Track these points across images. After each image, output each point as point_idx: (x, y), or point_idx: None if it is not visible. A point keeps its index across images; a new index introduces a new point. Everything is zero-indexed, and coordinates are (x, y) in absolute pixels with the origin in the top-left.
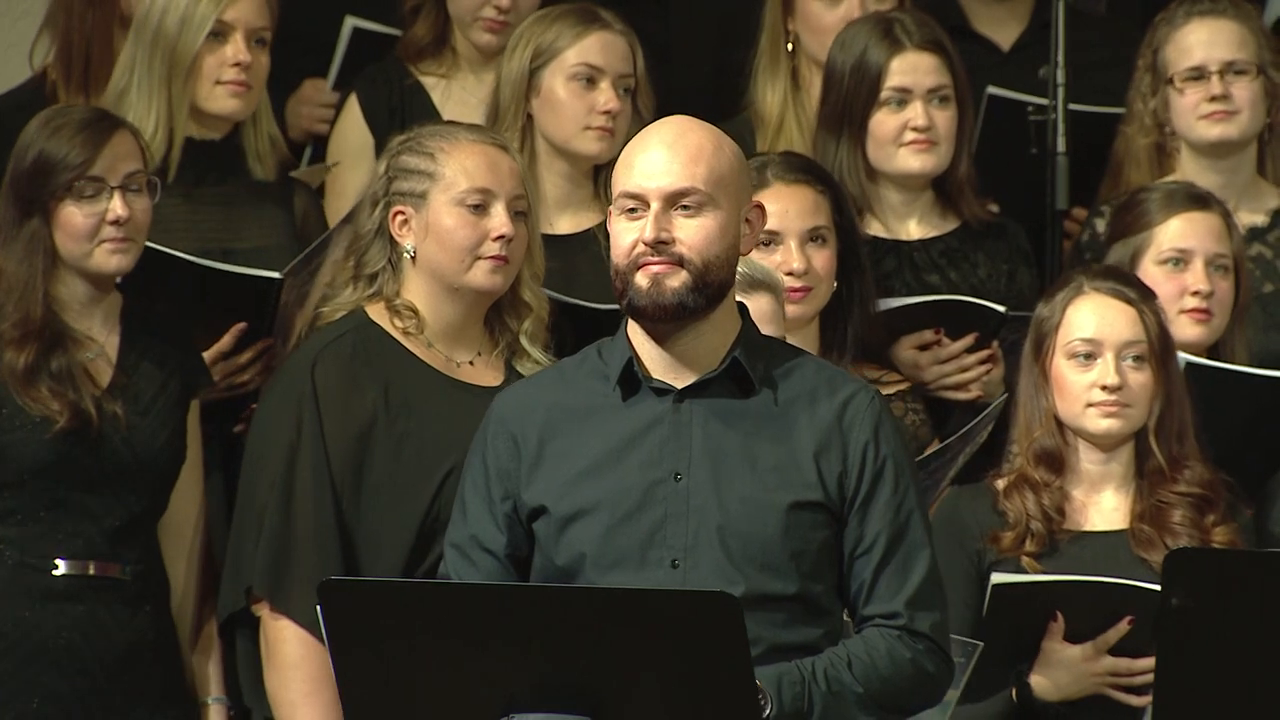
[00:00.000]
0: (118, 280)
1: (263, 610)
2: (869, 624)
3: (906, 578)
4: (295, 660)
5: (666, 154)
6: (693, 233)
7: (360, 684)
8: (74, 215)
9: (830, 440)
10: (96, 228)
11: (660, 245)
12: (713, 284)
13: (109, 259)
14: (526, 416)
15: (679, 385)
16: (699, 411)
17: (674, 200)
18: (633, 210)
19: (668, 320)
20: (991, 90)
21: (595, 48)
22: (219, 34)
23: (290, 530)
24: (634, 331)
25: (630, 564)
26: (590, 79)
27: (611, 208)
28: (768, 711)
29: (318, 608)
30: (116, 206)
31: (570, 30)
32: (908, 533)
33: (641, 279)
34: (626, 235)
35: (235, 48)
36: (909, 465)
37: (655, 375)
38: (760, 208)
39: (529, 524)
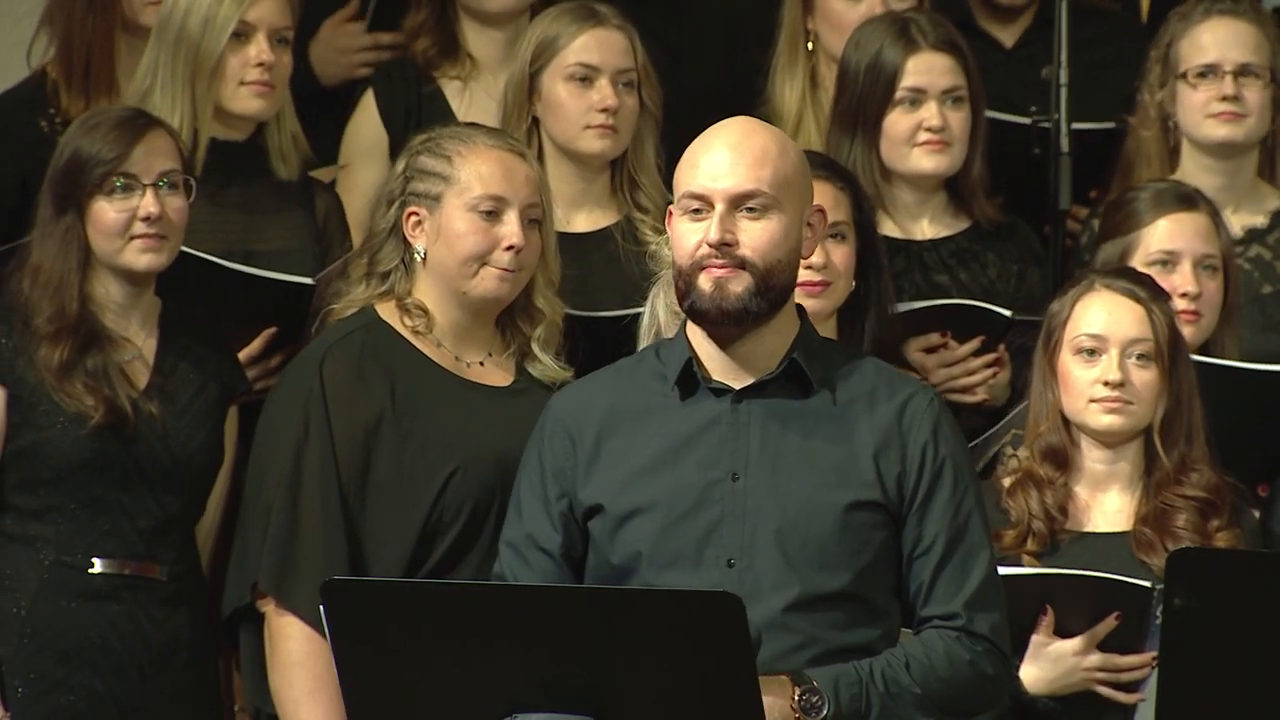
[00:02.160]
0: (154, 281)
1: (268, 606)
2: (927, 625)
3: (965, 579)
4: (299, 658)
5: (731, 155)
6: (756, 236)
7: (363, 684)
8: (105, 211)
9: (889, 440)
10: (128, 224)
11: (724, 248)
12: (775, 288)
13: (140, 256)
14: (584, 415)
15: (737, 386)
16: (757, 412)
17: (738, 202)
18: (697, 211)
19: (730, 324)
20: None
21: (591, 46)
22: (241, 34)
23: (297, 527)
24: (693, 332)
25: (686, 563)
26: (587, 78)
27: (673, 207)
28: (825, 712)
29: (321, 607)
30: (149, 203)
31: (567, 30)
32: (967, 534)
33: (705, 282)
34: (690, 236)
35: (258, 48)
36: (969, 466)
37: (714, 376)
38: (822, 211)
39: (584, 522)
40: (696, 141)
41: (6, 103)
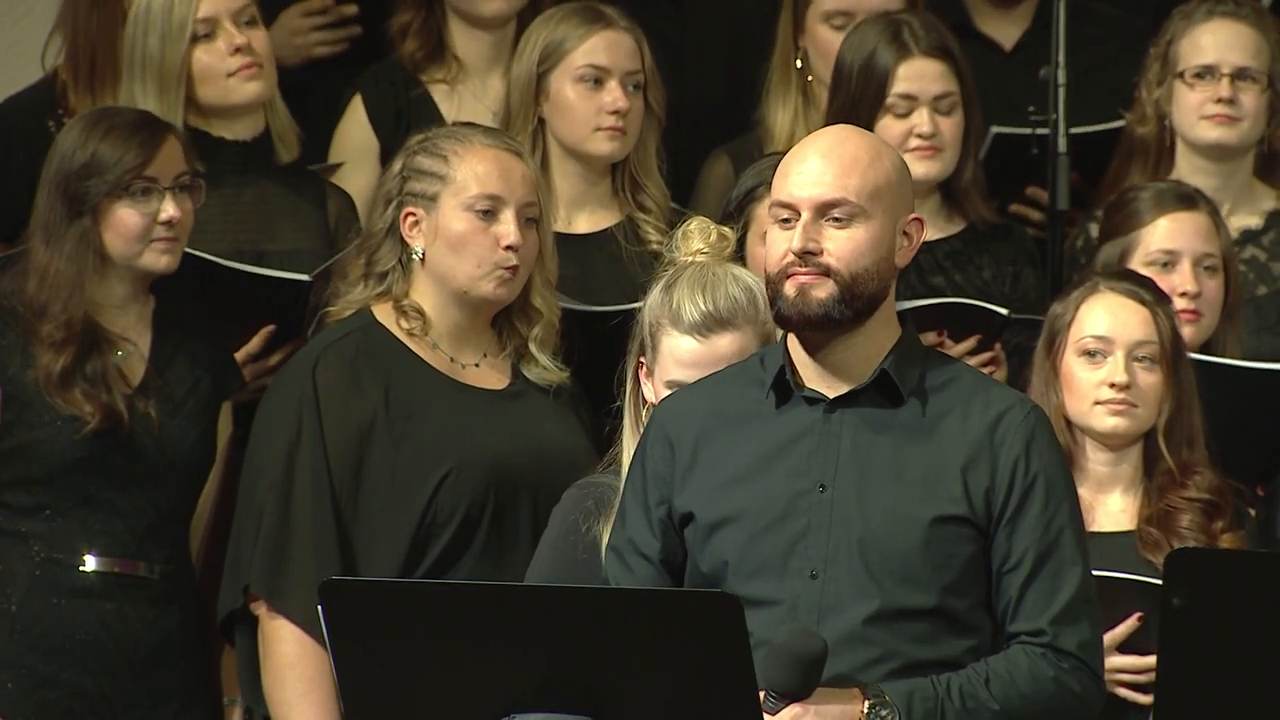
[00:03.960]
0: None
1: (260, 609)
2: (1014, 641)
3: (1054, 595)
4: (291, 660)
5: (820, 164)
6: (842, 244)
7: (361, 684)
8: (129, 215)
9: (980, 454)
10: (149, 228)
11: (808, 255)
12: (861, 296)
13: (159, 259)
14: (685, 422)
15: (831, 395)
16: (849, 422)
17: (824, 211)
18: (786, 220)
19: (813, 330)
20: (997, 130)
21: (600, 48)
22: (208, 34)
23: (288, 530)
24: (790, 339)
25: (771, 573)
26: (597, 80)
27: (768, 215)
28: None
29: (318, 608)
30: (169, 207)
31: (575, 32)
32: (1057, 550)
33: (789, 288)
34: (778, 245)
35: (227, 36)
36: (1064, 481)
37: (808, 384)
38: (919, 220)
39: (681, 530)
40: (791, 150)
41: (17, 105)
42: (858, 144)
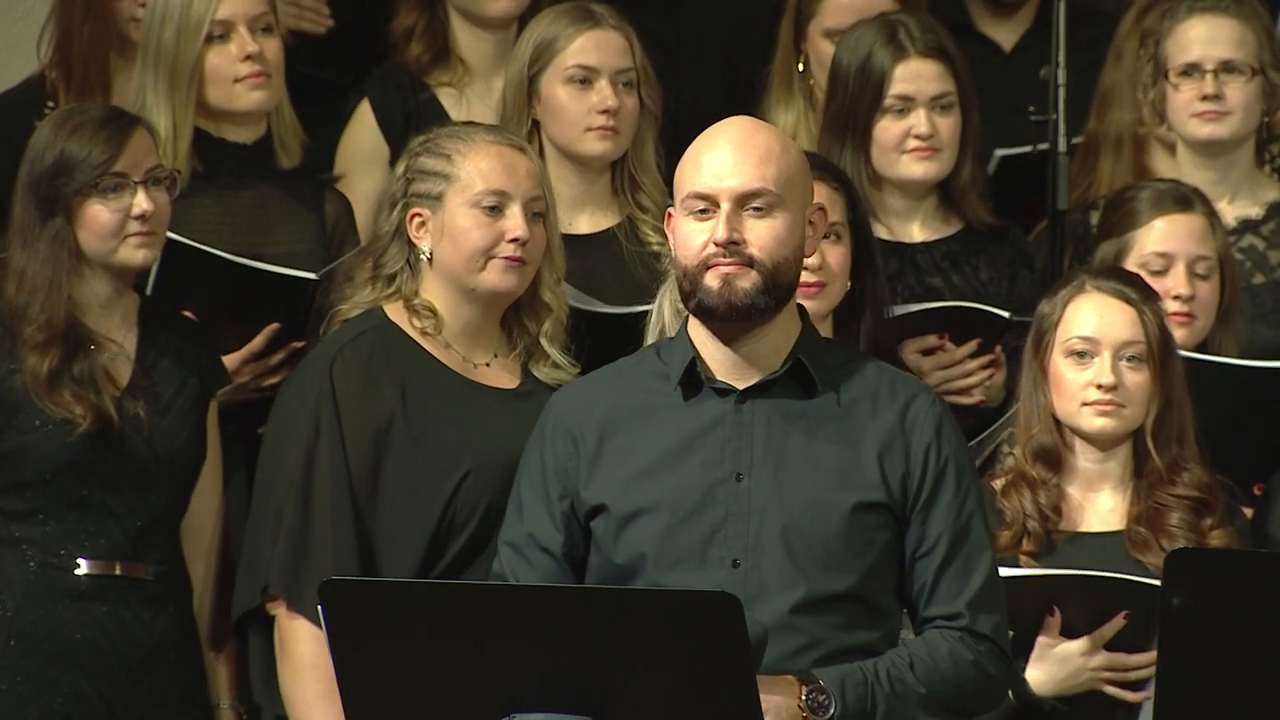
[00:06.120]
0: (150, 277)
1: (279, 609)
2: (930, 625)
3: (968, 579)
4: (311, 660)
5: (736, 154)
6: (763, 234)
7: (361, 684)
8: (100, 212)
9: (893, 441)
10: (122, 223)
11: (731, 246)
12: (782, 285)
13: (135, 253)
14: (585, 414)
15: (741, 386)
16: (761, 412)
17: (744, 201)
18: (703, 211)
19: (738, 320)
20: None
21: (588, 47)
22: (221, 35)
23: (308, 529)
24: (696, 331)
25: (690, 563)
26: (586, 80)
27: (676, 208)
28: (831, 711)
29: (320, 607)
30: (141, 201)
31: (564, 33)
32: (969, 535)
33: (712, 279)
34: (696, 236)
35: (240, 42)
36: (970, 467)
37: (717, 375)
38: (822, 209)
39: (587, 522)
40: (698, 141)
41: (5, 103)
42: (768, 134)
